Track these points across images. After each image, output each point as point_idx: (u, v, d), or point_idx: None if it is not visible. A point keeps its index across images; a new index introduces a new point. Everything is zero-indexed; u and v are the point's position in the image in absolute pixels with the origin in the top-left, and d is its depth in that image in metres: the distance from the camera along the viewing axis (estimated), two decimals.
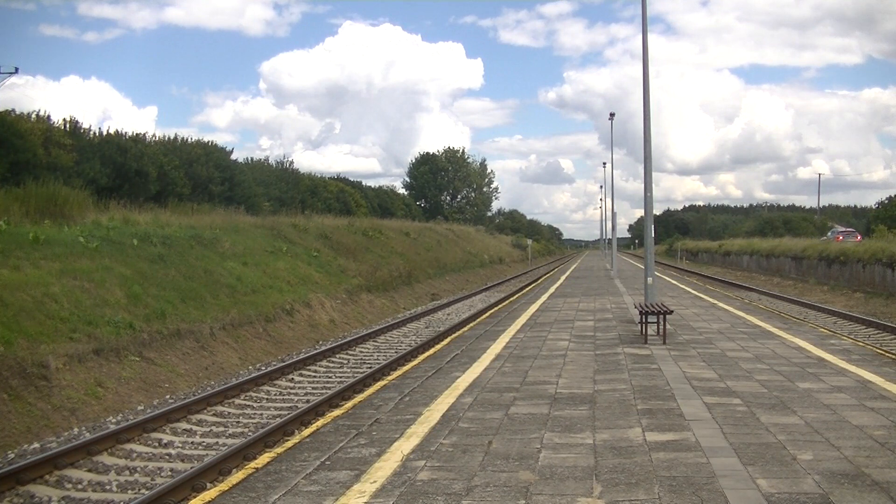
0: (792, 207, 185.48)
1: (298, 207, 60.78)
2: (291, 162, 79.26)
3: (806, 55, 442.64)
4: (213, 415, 15.51)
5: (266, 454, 8.99)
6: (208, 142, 61.35)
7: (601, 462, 8.09)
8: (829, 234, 72.03)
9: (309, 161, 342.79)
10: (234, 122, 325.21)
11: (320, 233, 44.42)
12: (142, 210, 33.76)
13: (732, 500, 6.88)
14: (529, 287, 46.44)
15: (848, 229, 74.78)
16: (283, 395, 17.59)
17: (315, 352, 22.61)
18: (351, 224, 53.56)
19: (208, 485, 10.62)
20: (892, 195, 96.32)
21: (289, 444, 9.32)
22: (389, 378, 14.13)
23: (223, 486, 7.68)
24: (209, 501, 7.22)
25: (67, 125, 46.32)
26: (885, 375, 13.06)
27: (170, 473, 11.82)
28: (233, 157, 63.85)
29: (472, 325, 23.68)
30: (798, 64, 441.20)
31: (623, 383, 12.57)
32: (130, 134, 51.32)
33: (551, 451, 8.56)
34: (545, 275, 64.99)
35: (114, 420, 15.05)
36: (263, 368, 20.57)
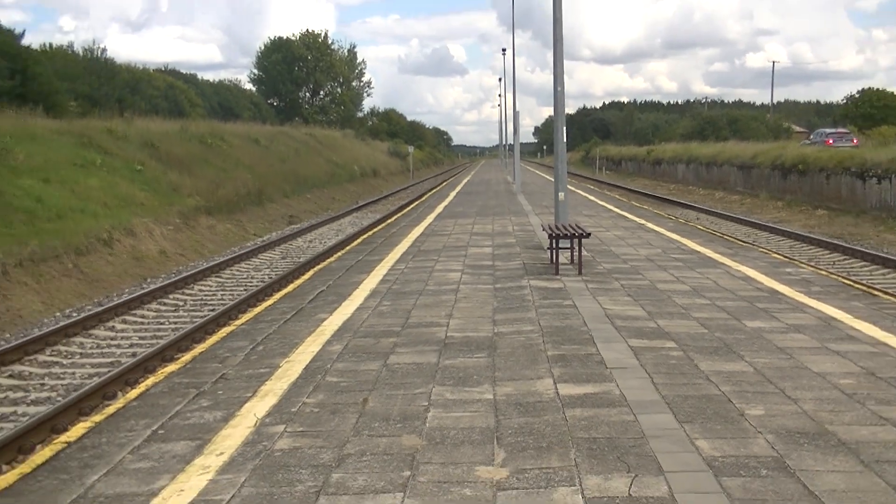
0: (739, 104, 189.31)
1: (115, 108, 59.60)
2: (104, 49, 77.29)
3: None
4: (10, 376, 15.16)
5: (80, 424, 8.87)
6: None
7: (504, 422, 8.18)
8: (813, 136, 71.81)
9: (128, 48, 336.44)
10: None
11: (145, 141, 43.74)
12: None
13: (667, 466, 7.00)
14: (411, 206, 46.47)
15: (840, 130, 74.26)
16: (102, 348, 17.32)
17: (142, 292, 22.30)
18: (184, 129, 52.85)
19: (4, 467, 10.43)
20: (865, 88, 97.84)
21: (110, 409, 9.19)
22: (237, 322, 14.08)
23: (24, 468, 7.52)
24: (5, 488, 7.06)
25: None
26: (854, 311, 13.41)
27: None
28: (24, 42, 62.08)
29: (340, 254, 23.66)
30: None
31: (529, 324, 12.71)
32: None
33: (442, 409, 8.63)
34: (431, 190, 65.08)
35: None
36: (75, 315, 20.22)
